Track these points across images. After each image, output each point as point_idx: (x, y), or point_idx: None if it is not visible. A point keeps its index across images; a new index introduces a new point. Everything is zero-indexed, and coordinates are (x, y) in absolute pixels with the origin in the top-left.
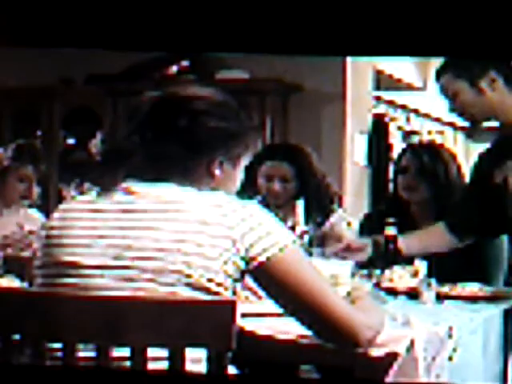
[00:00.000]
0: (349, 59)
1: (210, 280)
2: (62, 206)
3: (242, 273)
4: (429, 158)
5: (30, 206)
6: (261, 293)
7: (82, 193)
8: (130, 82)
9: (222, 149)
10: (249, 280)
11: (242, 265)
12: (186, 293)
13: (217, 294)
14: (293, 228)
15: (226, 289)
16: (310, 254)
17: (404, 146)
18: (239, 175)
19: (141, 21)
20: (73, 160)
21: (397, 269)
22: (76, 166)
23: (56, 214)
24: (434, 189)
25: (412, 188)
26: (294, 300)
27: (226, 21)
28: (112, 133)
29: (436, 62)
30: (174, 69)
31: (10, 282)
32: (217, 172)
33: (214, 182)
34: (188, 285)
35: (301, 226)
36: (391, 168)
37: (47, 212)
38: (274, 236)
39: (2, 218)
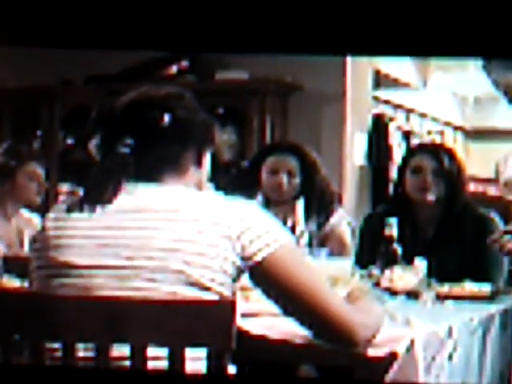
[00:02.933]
0: (349, 59)
1: (210, 279)
2: (56, 208)
3: (240, 272)
4: (447, 159)
5: (32, 211)
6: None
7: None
8: (129, 82)
9: (207, 139)
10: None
11: (240, 264)
12: (186, 292)
13: (217, 293)
14: (293, 228)
15: (225, 287)
16: (310, 254)
17: (404, 145)
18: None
19: (141, 21)
20: (73, 160)
21: (397, 269)
22: (76, 166)
23: (52, 215)
24: (447, 189)
25: (425, 188)
26: (291, 300)
27: (226, 21)
28: None
29: (436, 62)
30: (174, 69)
31: (10, 282)
32: (204, 162)
33: (200, 171)
34: (188, 284)
35: (300, 226)
36: (392, 168)
37: (47, 213)
38: (269, 236)
39: (2, 222)
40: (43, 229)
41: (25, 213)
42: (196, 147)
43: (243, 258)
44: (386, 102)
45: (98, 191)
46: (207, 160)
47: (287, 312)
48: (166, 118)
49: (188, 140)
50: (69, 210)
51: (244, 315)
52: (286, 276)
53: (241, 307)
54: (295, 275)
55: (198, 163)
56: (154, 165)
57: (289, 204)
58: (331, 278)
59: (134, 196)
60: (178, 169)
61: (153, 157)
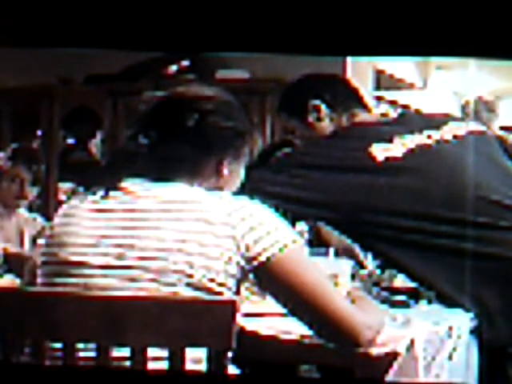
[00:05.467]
0: (349, 59)
1: (211, 280)
2: (65, 205)
3: (245, 272)
4: None
5: (31, 211)
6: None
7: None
8: (129, 82)
9: (231, 148)
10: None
11: (244, 264)
12: (187, 293)
13: (219, 294)
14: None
15: (228, 289)
16: (311, 254)
17: None
18: (242, 173)
19: (140, 21)
20: (73, 160)
21: None
22: (76, 166)
23: (59, 213)
24: None
25: None
26: (295, 300)
27: (225, 20)
28: (112, 133)
29: (436, 62)
30: (174, 69)
31: (11, 281)
32: (225, 172)
33: (221, 181)
34: (190, 285)
35: (301, 226)
36: None
37: (47, 212)
38: (274, 235)
39: (2, 221)
40: (50, 226)
41: (26, 212)
42: (217, 155)
43: (248, 259)
44: (387, 102)
45: (107, 174)
46: (234, 170)
47: (291, 312)
48: (193, 119)
49: (209, 146)
50: (75, 208)
51: (245, 315)
52: (290, 276)
53: (242, 307)
54: (299, 275)
55: (218, 171)
56: (168, 165)
57: None
58: (331, 277)
59: (140, 196)
60: (191, 172)
61: (168, 154)
